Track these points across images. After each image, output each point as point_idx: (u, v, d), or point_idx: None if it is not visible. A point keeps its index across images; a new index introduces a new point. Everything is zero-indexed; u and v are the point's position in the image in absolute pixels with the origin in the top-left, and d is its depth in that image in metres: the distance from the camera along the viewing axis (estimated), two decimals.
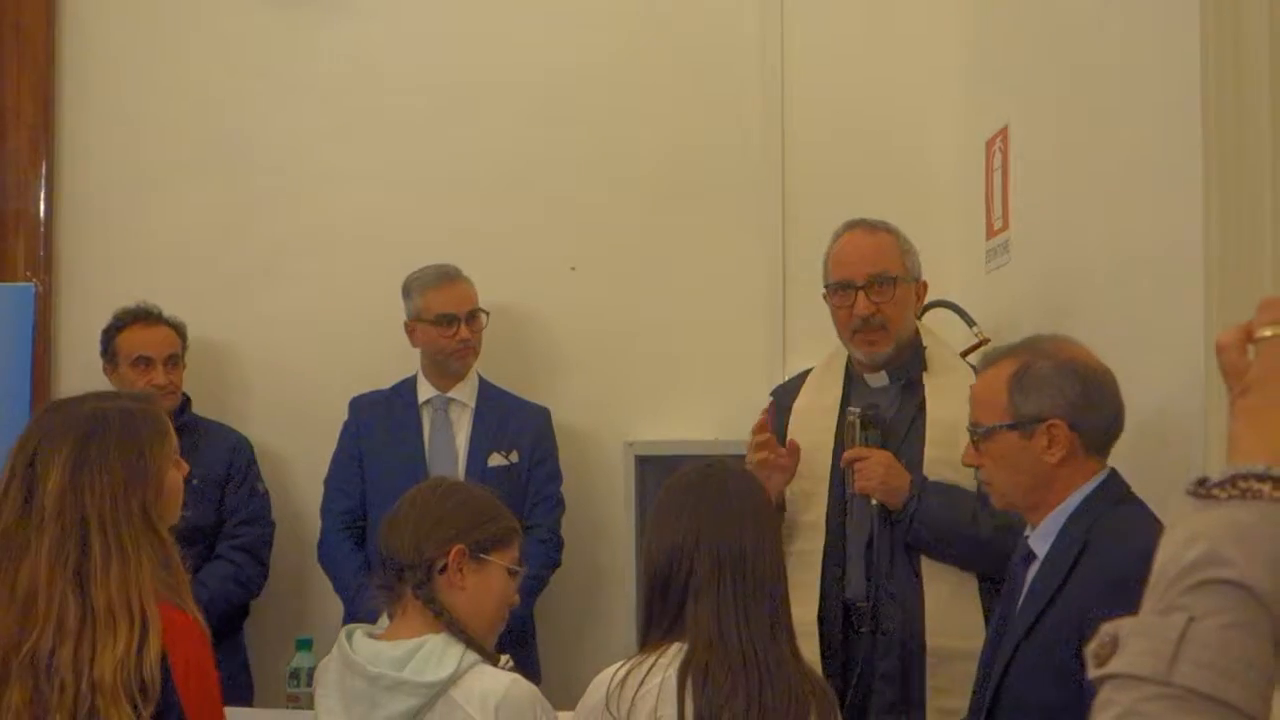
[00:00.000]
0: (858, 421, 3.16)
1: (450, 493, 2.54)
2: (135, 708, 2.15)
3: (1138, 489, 2.48)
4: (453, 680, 2.33)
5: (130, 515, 2.28)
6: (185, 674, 2.23)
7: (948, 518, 3.05)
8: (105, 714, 2.14)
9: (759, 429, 3.21)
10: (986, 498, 3.00)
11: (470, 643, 2.37)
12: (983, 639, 2.95)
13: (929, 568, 3.10)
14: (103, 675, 2.16)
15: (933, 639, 3.06)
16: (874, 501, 3.11)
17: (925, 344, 3.30)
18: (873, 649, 3.12)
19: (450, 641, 2.37)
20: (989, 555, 3.00)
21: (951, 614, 3.07)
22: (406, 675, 2.33)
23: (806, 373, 3.45)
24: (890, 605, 3.11)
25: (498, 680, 2.35)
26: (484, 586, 2.46)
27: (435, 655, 2.35)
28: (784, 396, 3.43)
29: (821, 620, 3.13)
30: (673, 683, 2.27)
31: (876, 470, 3.09)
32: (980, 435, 2.54)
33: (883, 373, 3.28)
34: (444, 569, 2.42)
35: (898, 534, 3.11)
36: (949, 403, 3.15)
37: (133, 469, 2.31)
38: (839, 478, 3.20)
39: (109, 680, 2.16)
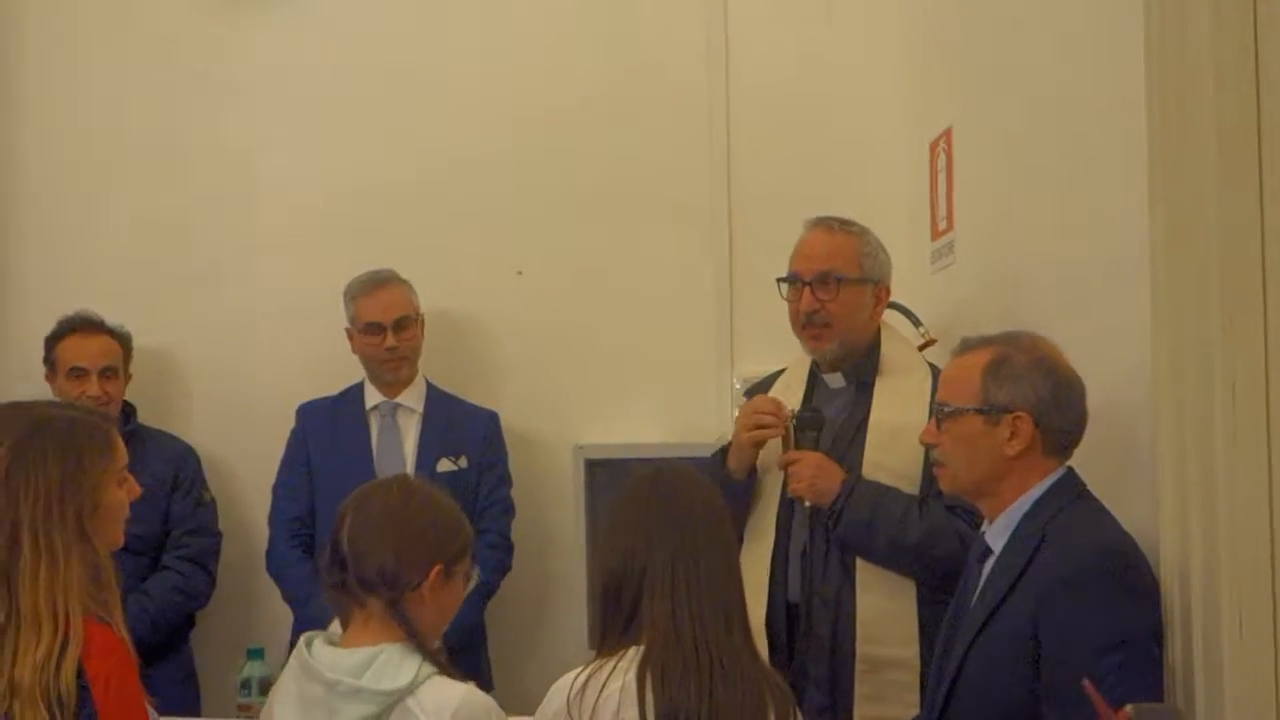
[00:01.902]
0: (792, 425, 3.19)
1: (424, 504, 2.49)
2: (52, 715, 2.13)
3: (1088, 480, 2.51)
4: (410, 689, 2.31)
5: (64, 521, 2.26)
6: (105, 689, 2.21)
7: (873, 518, 3.06)
8: (21, 717, 2.13)
9: (771, 406, 3.24)
10: (924, 500, 3.03)
11: (428, 654, 2.37)
12: (917, 648, 2.99)
13: (865, 574, 3.10)
14: (22, 677, 2.15)
15: (863, 646, 3.07)
16: (806, 504, 3.14)
17: (884, 346, 3.31)
18: (806, 652, 3.13)
19: (408, 651, 2.36)
20: (916, 558, 3.03)
21: (885, 622, 3.07)
22: (364, 683, 2.31)
23: (780, 372, 3.47)
24: (822, 610, 3.12)
25: (454, 690, 2.34)
26: (449, 598, 2.47)
27: (393, 664, 2.33)
28: (756, 394, 3.45)
29: (769, 621, 3.14)
30: (633, 686, 2.27)
31: (805, 472, 3.12)
32: (946, 414, 2.57)
33: (839, 374, 3.30)
34: (417, 585, 2.40)
35: (833, 537, 3.12)
36: (895, 407, 3.18)
37: (69, 476, 2.28)
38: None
39: (28, 683, 2.14)
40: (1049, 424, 2.48)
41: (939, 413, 2.60)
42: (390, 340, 4.10)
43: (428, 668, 2.34)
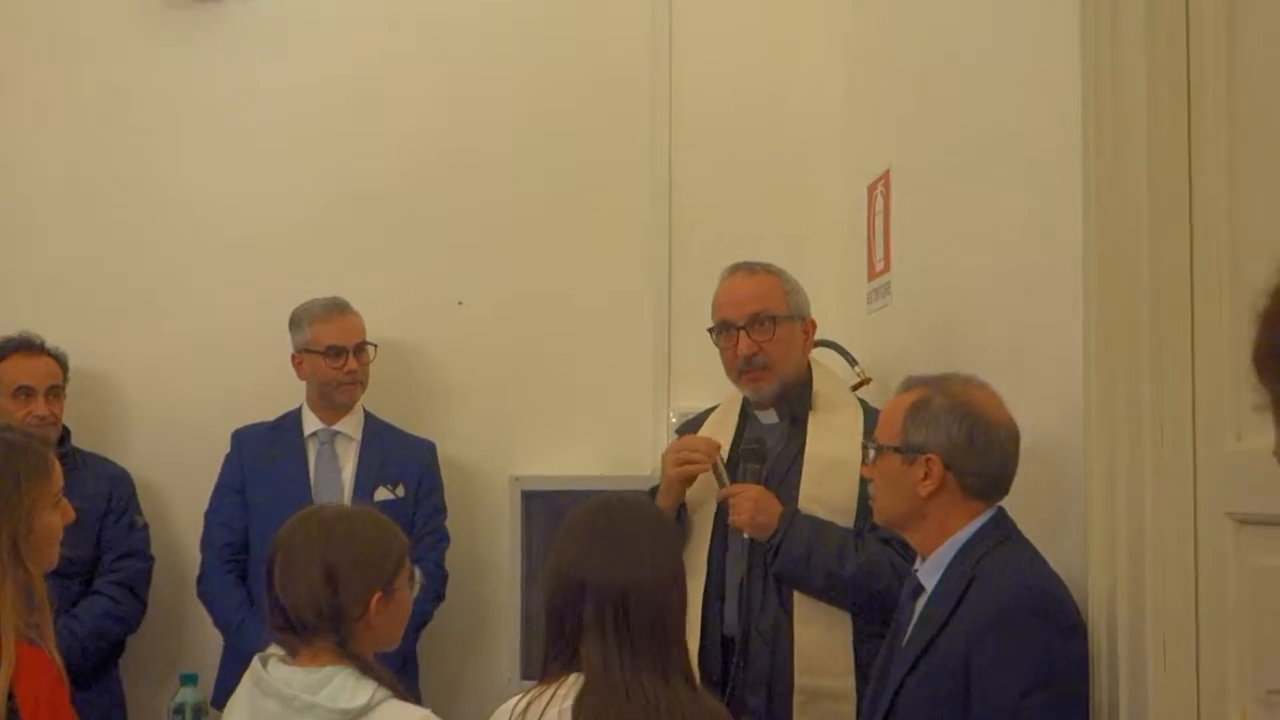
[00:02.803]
0: (718, 460, 3.23)
1: (347, 536, 2.46)
2: None
3: (1020, 518, 2.56)
4: (364, 711, 2.33)
5: None
6: (35, 710, 2.21)
7: (810, 551, 3.09)
8: None
9: (698, 444, 3.28)
10: (860, 534, 3.08)
11: (381, 678, 2.38)
12: (853, 680, 3.02)
13: (801, 606, 3.14)
14: None
15: (801, 677, 3.10)
16: (745, 536, 3.17)
17: (815, 382, 3.36)
18: (743, 684, 3.15)
19: (362, 676, 2.38)
20: (852, 592, 3.07)
21: (822, 654, 3.11)
22: (320, 700, 2.33)
23: (712, 409, 3.51)
24: (758, 641, 3.15)
25: (410, 712, 2.37)
26: (397, 612, 2.49)
27: (349, 687, 2.35)
28: (687, 431, 3.49)
29: (703, 655, 3.16)
30: (568, 716, 2.29)
31: (745, 505, 3.15)
32: (873, 450, 2.63)
33: (772, 410, 3.34)
34: (361, 615, 2.42)
35: (771, 570, 3.15)
36: (830, 441, 3.23)
37: (4, 498, 2.28)
38: (723, 514, 3.24)
39: None
40: (962, 467, 2.51)
41: (866, 449, 2.67)
42: (351, 364, 4.14)
43: (382, 691, 2.36)
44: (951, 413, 2.53)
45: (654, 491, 3.35)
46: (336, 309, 4.19)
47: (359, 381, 4.19)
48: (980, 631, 2.36)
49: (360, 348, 4.18)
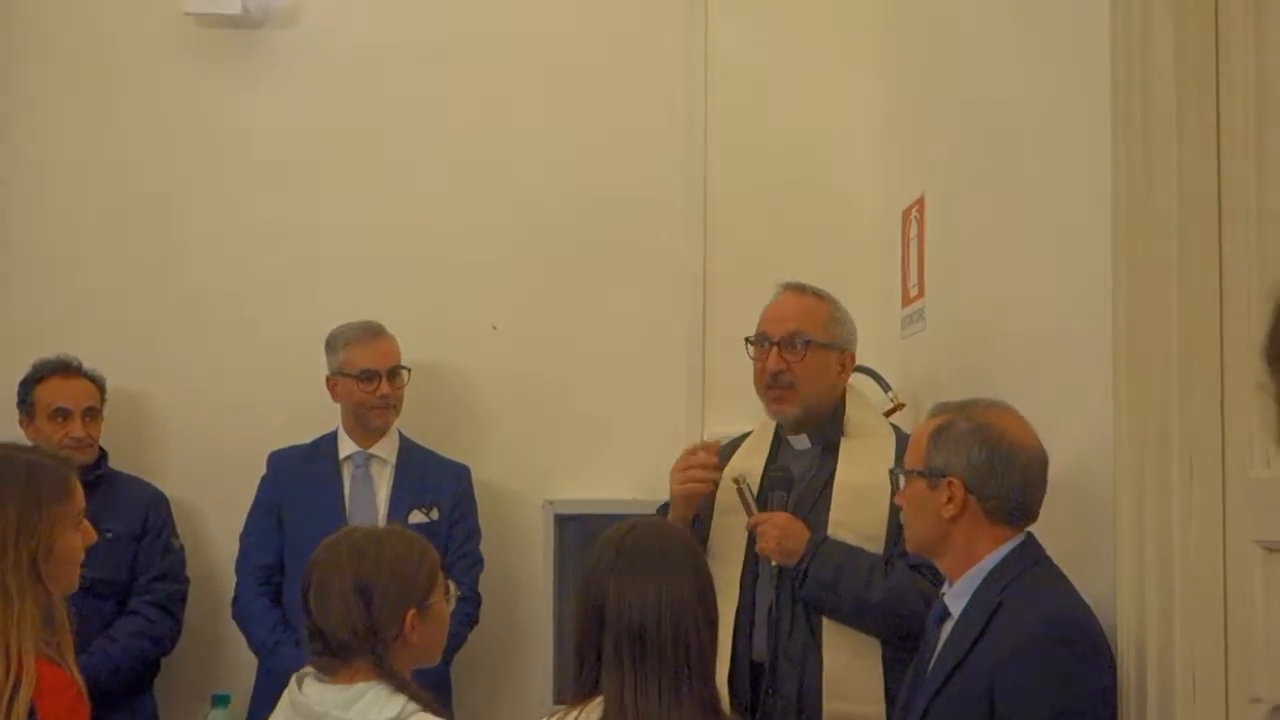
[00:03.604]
0: (745, 489, 3.22)
1: (379, 559, 2.49)
2: None
3: (1049, 545, 2.54)
4: None
5: (18, 563, 2.27)
6: None
7: (839, 577, 3.08)
8: None
9: (704, 452, 3.29)
10: (889, 560, 3.07)
11: (412, 693, 2.42)
12: (883, 707, 3.01)
13: (830, 632, 3.13)
14: None
15: (830, 703, 3.09)
16: (773, 563, 3.16)
17: (848, 408, 3.35)
18: (772, 711, 3.15)
19: (394, 691, 2.41)
20: (880, 617, 3.06)
21: (850, 680, 3.09)
22: (351, 716, 2.37)
23: (747, 435, 3.50)
24: (787, 667, 3.14)
25: None
26: (434, 627, 2.53)
27: (379, 701, 2.39)
28: (722, 455, 3.47)
29: (733, 680, 3.15)
30: None
31: (772, 532, 3.14)
32: (901, 476, 2.64)
33: (804, 436, 3.33)
34: (398, 634, 2.45)
35: (799, 596, 3.14)
36: (860, 468, 3.22)
37: (27, 520, 2.29)
38: (754, 540, 3.23)
39: None
40: (984, 491, 2.51)
41: (895, 476, 2.68)
42: (385, 388, 4.15)
43: (412, 705, 2.39)
44: (972, 436, 2.53)
45: (665, 508, 3.35)
46: (371, 333, 4.20)
47: (392, 406, 4.20)
48: (1004, 660, 2.35)
49: (394, 372, 4.19)
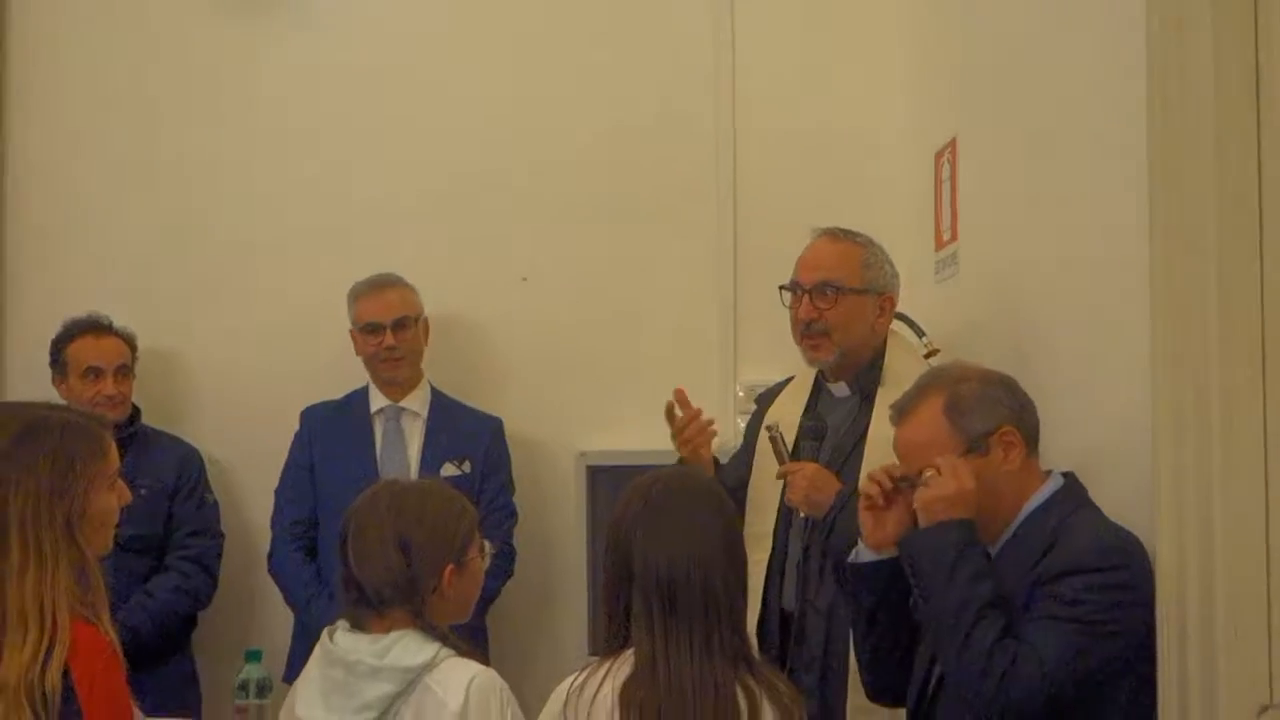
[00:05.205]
0: (779, 437, 3.19)
1: (419, 512, 2.51)
2: (36, 715, 2.14)
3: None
4: (428, 667, 2.40)
5: (53, 522, 2.26)
6: (90, 689, 2.21)
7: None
8: (5, 717, 2.13)
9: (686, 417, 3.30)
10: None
11: (446, 639, 2.45)
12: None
13: None
14: (7, 677, 2.15)
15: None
16: (801, 515, 3.14)
17: (888, 356, 3.30)
18: (797, 661, 3.13)
19: (427, 638, 2.44)
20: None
21: None
22: (386, 663, 2.40)
23: (788, 380, 3.48)
24: (815, 619, 3.13)
25: (470, 667, 2.42)
26: (470, 581, 2.56)
27: (412, 648, 2.42)
28: (764, 401, 3.48)
29: (762, 628, 3.15)
30: (618, 694, 2.29)
31: (800, 483, 3.10)
32: (940, 467, 2.49)
33: (843, 383, 3.30)
34: (435, 588, 2.47)
35: (826, 548, 3.11)
36: None
37: (61, 478, 2.28)
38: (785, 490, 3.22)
39: (13, 683, 2.15)
40: (1026, 425, 2.50)
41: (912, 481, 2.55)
42: (389, 340, 4.12)
43: (446, 650, 2.43)
44: (986, 386, 2.50)
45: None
46: (376, 285, 4.19)
47: (399, 358, 4.16)
48: (1052, 576, 2.32)
49: (400, 323, 4.15)
